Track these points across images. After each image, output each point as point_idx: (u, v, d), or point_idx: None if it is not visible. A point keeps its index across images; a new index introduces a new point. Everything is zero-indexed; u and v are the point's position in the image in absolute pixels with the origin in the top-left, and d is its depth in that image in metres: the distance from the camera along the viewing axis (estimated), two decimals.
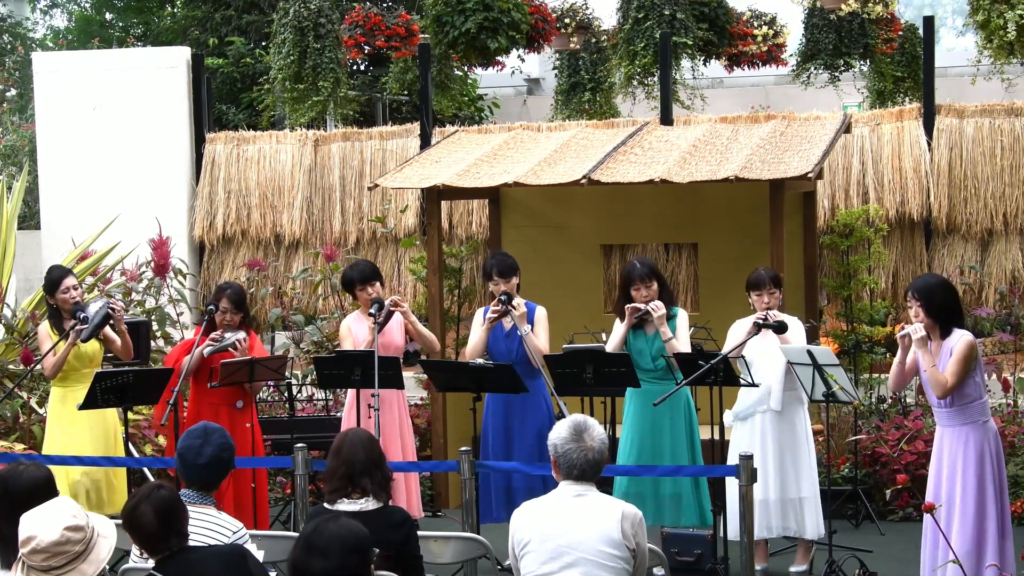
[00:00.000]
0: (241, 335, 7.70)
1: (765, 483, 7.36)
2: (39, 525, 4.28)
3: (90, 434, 7.85)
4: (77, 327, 7.67)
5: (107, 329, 7.89)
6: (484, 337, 7.72)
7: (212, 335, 7.66)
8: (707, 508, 7.59)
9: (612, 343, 7.57)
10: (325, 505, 5.19)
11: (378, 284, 7.91)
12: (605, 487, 5.50)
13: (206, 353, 7.65)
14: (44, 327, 7.96)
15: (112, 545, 4.42)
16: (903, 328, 6.47)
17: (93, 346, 7.91)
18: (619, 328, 7.56)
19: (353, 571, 4.07)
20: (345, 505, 5.12)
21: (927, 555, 6.40)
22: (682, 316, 7.60)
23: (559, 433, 4.83)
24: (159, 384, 7.53)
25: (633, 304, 7.47)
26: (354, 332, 7.91)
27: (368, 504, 5.13)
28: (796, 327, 7.50)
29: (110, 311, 7.76)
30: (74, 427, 7.84)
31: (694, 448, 7.55)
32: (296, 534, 5.87)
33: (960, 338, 6.27)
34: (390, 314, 7.77)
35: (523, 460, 7.49)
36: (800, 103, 14.26)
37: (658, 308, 7.41)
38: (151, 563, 4.99)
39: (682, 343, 7.47)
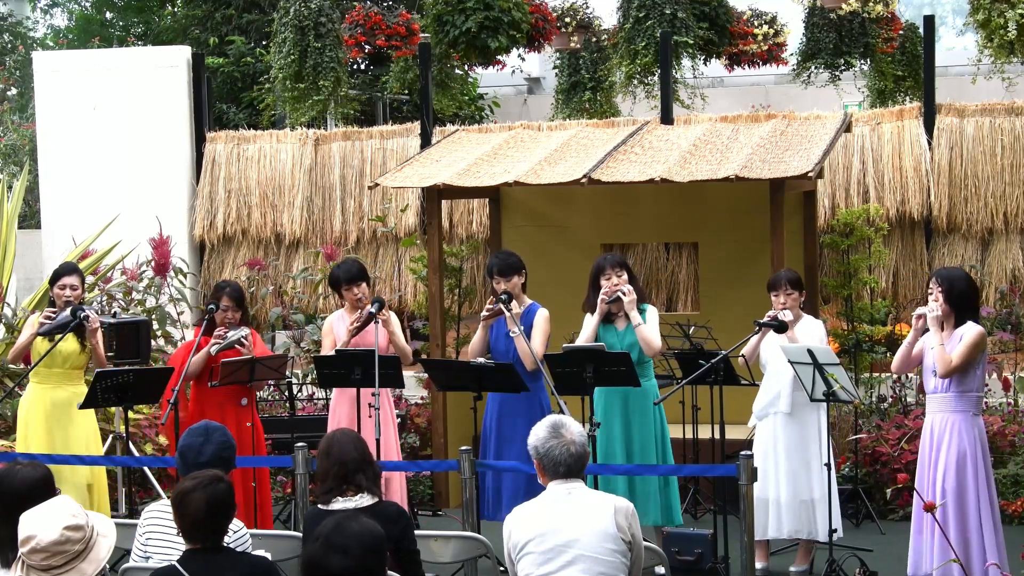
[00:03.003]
0: (245, 331, 7.72)
1: (777, 484, 7.37)
2: (39, 525, 4.27)
3: (48, 437, 7.78)
4: (41, 319, 7.67)
5: (97, 337, 7.83)
6: (483, 336, 7.70)
7: (216, 333, 7.66)
8: (674, 507, 7.53)
9: (583, 337, 7.45)
10: (320, 507, 5.17)
11: (364, 285, 7.89)
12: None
13: (213, 351, 7.64)
14: (34, 316, 7.95)
15: (112, 544, 4.41)
16: (919, 309, 6.64)
17: (69, 347, 7.79)
18: (589, 321, 7.46)
19: (371, 571, 4.07)
20: (340, 504, 5.12)
21: (923, 548, 6.50)
22: (652, 311, 7.50)
23: (537, 435, 4.81)
24: (160, 383, 7.53)
25: (604, 291, 7.41)
26: (336, 331, 7.90)
27: (363, 500, 5.14)
28: (816, 327, 7.48)
29: (82, 321, 7.61)
30: (33, 427, 7.82)
31: (664, 446, 7.51)
32: (297, 534, 5.88)
33: (972, 327, 6.48)
34: (370, 319, 7.71)
35: (514, 461, 7.46)
36: (800, 102, 14.26)
37: (629, 292, 7.35)
38: (151, 562, 4.99)
39: (652, 334, 7.41)
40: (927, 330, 6.57)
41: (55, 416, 7.81)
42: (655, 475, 7.41)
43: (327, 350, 7.90)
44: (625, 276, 7.43)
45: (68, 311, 7.66)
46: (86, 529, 4.33)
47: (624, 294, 7.32)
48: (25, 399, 7.98)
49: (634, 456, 7.40)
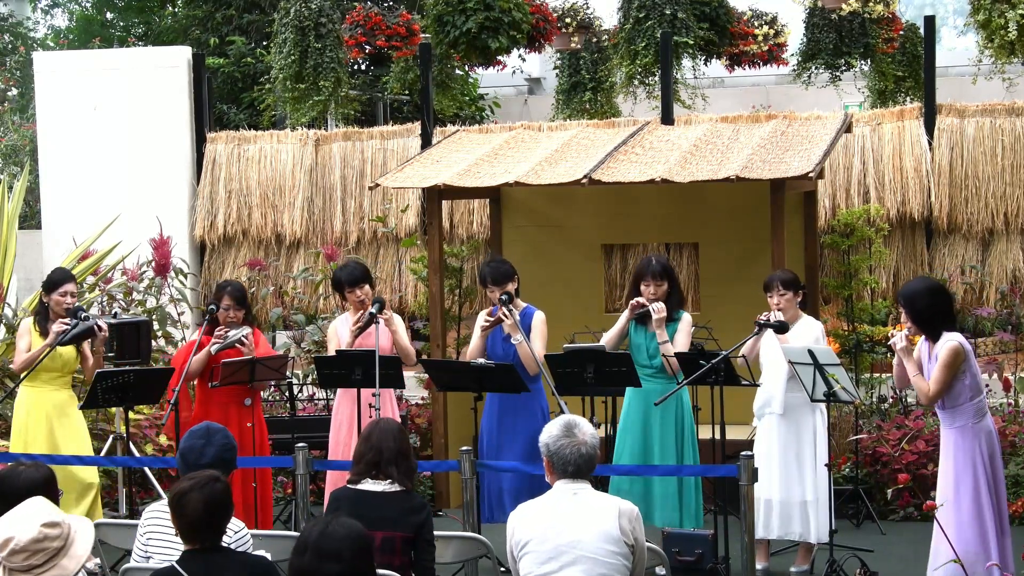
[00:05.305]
0: (247, 330, 7.72)
1: (769, 484, 7.37)
2: (15, 526, 4.28)
3: (48, 438, 7.78)
4: (59, 329, 7.61)
5: (85, 346, 7.84)
6: (480, 345, 7.71)
7: (217, 332, 7.66)
8: (691, 510, 7.55)
9: (610, 332, 7.63)
10: (348, 486, 5.35)
11: (367, 287, 7.87)
12: (601, 487, 5.52)
13: (213, 351, 7.65)
14: (27, 323, 7.93)
15: (90, 541, 4.42)
16: (893, 335, 6.48)
17: (70, 352, 7.84)
18: (622, 318, 7.60)
19: (363, 572, 4.07)
20: (369, 484, 5.30)
21: (932, 553, 6.45)
22: (685, 320, 7.60)
23: (550, 432, 4.84)
24: (160, 384, 7.54)
25: (637, 299, 7.50)
26: (339, 334, 7.91)
27: (392, 487, 5.31)
28: (813, 327, 7.48)
29: (96, 327, 7.67)
30: (33, 429, 7.81)
31: (683, 447, 7.53)
32: (297, 534, 5.89)
33: (946, 344, 6.25)
34: (371, 321, 7.71)
35: (513, 462, 7.47)
36: (801, 103, 14.26)
37: (659, 310, 7.41)
38: (152, 563, 5.00)
39: (678, 347, 7.46)
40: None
41: (56, 418, 7.82)
42: (654, 475, 7.42)
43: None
44: (666, 286, 7.51)
45: (82, 318, 7.64)
46: (63, 526, 4.34)
47: (655, 311, 7.39)
48: (23, 403, 7.95)
49: (653, 456, 7.47)
